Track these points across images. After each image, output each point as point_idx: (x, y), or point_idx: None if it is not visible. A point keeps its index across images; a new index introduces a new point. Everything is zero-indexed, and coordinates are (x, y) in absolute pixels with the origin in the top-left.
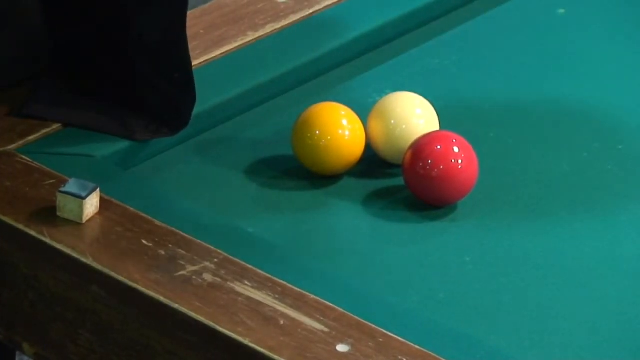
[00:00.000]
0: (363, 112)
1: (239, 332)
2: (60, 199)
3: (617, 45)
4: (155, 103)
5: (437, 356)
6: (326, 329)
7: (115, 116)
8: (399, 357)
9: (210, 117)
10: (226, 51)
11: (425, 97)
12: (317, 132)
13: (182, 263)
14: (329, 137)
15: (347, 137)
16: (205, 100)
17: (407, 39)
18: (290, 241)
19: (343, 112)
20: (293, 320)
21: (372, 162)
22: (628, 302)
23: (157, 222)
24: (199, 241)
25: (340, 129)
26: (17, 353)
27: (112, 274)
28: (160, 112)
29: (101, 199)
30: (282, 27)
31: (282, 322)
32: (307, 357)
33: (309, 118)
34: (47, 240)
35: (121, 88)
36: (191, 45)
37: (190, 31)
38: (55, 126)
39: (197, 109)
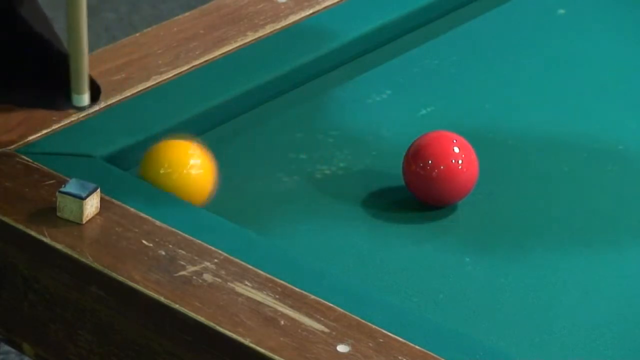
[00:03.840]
0: (363, 112)
1: (239, 332)
2: (60, 200)
3: (617, 45)
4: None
5: (437, 356)
6: (326, 330)
7: (36, 92)
8: (399, 358)
9: (210, 117)
10: (226, 51)
11: (425, 97)
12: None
13: (182, 263)
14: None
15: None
16: (204, 101)
17: (407, 39)
18: (290, 241)
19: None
20: (293, 320)
21: (372, 162)
22: (627, 302)
23: (157, 222)
24: (199, 241)
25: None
26: (18, 353)
27: (112, 274)
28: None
29: (101, 199)
30: (282, 27)
31: (282, 323)
32: (307, 358)
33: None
34: (47, 241)
35: (29, 69)
36: (191, 45)
37: (190, 31)
38: (56, 126)
39: (196, 110)
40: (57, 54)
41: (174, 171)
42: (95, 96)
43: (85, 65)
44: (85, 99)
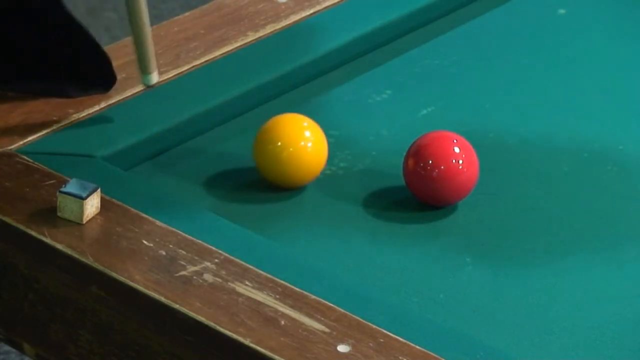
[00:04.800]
0: (363, 112)
1: (240, 332)
2: (61, 200)
3: (617, 45)
4: (79, 65)
5: (438, 356)
6: (327, 330)
7: (49, 81)
8: (400, 358)
9: (211, 117)
10: (227, 51)
11: (426, 98)
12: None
13: (183, 263)
14: (290, 149)
15: (309, 149)
16: (205, 101)
17: (407, 39)
18: (290, 241)
19: (306, 124)
20: (294, 320)
21: (372, 162)
22: (628, 302)
23: (158, 222)
24: (199, 241)
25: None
26: (18, 353)
27: (113, 274)
28: (88, 73)
29: (102, 199)
30: (282, 27)
31: (282, 323)
32: (307, 358)
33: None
34: (48, 241)
35: (44, 58)
36: (191, 45)
37: (190, 31)
38: (56, 126)
39: (197, 110)
40: (76, 42)
41: (288, 145)
42: (110, 85)
43: (150, 47)
44: (154, 77)
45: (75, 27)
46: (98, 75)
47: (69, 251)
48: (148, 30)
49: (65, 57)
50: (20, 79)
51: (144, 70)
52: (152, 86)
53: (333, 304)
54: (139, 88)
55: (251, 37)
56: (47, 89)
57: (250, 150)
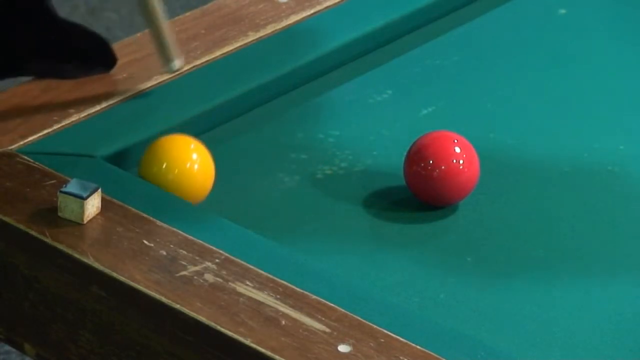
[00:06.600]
0: (364, 112)
1: (240, 332)
2: (61, 200)
3: (618, 45)
4: (80, 48)
5: (438, 356)
6: (327, 330)
7: (47, 62)
8: (400, 358)
9: (211, 117)
10: (227, 51)
11: (426, 98)
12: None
13: (184, 263)
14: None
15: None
16: (205, 101)
17: (408, 39)
18: (291, 241)
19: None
20: (294, 320)
21: (373, 162)
22: (628, 301)
23: (158, 222)
24: (200, 241)
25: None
26: (19, 353)
27: (113, 274)
28: (88, 53)
29: (102, 199)
30: (283, 27)
31: (283, 323)
32: (308, 358)
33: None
34: (48, 241)
35: (43, 40)
36: (192, 45)
37: (191, 31)
38: (56, 126)
39: (197, 109)
40: (69, 26)
41: (174, 167)
42: (111, 64)
43: (167, 37)
44: (176, 64)
45: (60, 19)
46: (97, 54)
47: (69, 251)
48: (164, 19)
49: (63, 38)
50: (21, 60)
51: (167, 58)
52: (177, 70)
53: (334, 304)
54: (139, 88)
55: (252, 37)
56: (47, 70)
57: (249, 150)
